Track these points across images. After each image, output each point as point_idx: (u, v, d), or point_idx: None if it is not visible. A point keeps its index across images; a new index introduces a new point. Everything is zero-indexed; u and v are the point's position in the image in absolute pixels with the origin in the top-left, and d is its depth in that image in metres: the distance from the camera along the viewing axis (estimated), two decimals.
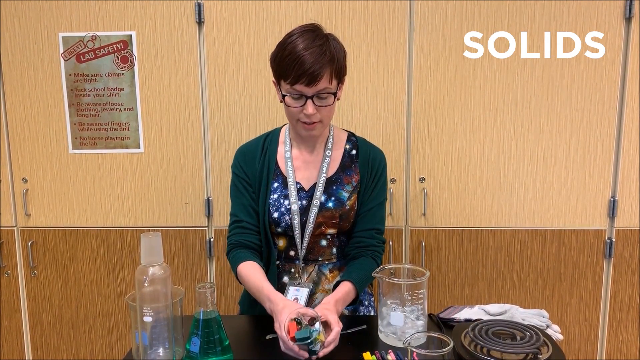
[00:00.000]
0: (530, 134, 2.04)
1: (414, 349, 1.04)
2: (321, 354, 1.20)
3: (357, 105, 2.04)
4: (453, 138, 2.05)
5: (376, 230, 1.51)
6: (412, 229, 2.12)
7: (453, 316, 1.40)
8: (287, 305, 1.24)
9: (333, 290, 1.39)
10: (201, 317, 1.16)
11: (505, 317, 1.35)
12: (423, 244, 2.12)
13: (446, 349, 1.04)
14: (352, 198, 1.48)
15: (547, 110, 2.02)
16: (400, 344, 1.28)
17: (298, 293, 1.47)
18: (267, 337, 1.32)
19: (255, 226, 1.50)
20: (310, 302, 1.47)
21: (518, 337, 1.14)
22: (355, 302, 1.45)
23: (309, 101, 1.34)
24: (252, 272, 1.40)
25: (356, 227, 1.51)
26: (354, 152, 1.52)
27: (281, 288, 1.50)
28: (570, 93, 2.01)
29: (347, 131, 1.56)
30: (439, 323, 1.40)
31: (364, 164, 1.50)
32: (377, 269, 1.33)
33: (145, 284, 1.03)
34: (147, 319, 1.05)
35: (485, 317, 1.38)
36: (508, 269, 2.14)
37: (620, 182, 2.06)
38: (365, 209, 1.49)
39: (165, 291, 1.06)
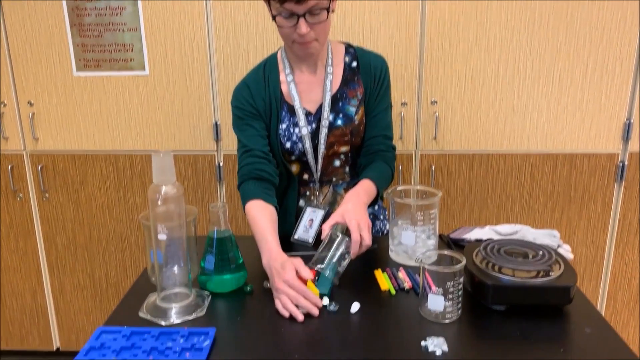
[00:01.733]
0: (547, 53, 1.97)
1: (426, 266, 1.05)
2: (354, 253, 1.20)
3: (368, 25, 1.97)
4: (467, 58, 1.99)
5: (383, 136, 1.47)
6: (423, 153, 2.10)
7: (464, 236, 1.41)
8: (287, 260, 1.15)
9: None
10: (215, 236, 1.16)
11: (517, 237, 1.36)
12: (433, 168, 2.10)
13: (458, 265, 1.04)
14: (360, 112, 1.45)
15: (565, 29, 1.94)
16: (411, 262, 1.29)
17: (314, 214, 1.47)
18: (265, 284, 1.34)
19: (266, 154, 1.41)
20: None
21: (530, 256, 1.15)
22: (376, 202, 1.44)
23: (301, 20, 1.25)
24: (260, 216, 1.30)
25: (367, 134, 1.48)
26: (354, 64, 1.46)
27: (297, 211, 1.50)
28: (591, 11, 1.92)
29: (344, 43, 1.50)
30: (449, 243, 1.40)
31: (366, 73, 1.45)
32: (389, 190, 1.32)
33: (159, 203, 1.03)
34: (162, 237, 1.05)
35: (497, 237, 1.38)
36: (518, 192, 2.14)
37: (637, 103, 2.01)
38: (371, 116, 1.46)
39: (179, 210, 1.06)
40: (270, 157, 1.43)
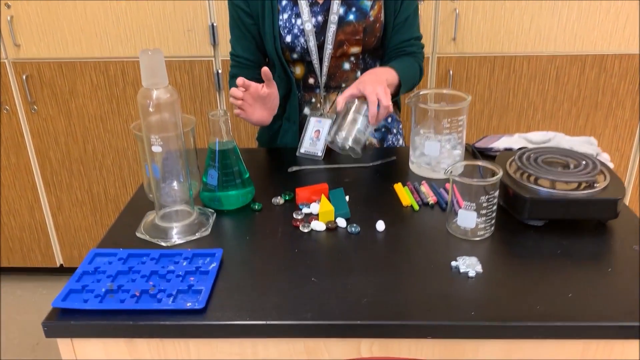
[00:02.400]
0: None
1: (458, 179, 0.93)
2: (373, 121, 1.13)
3: None
4: None
5: (415, 39, 1.34)
6: (440, 56, 1.92)
7: (490, 145, 1.28)
8: None
9: None
10: (217, 148, 1.04)
11: (551, 145, 1.23)
12: (451, 72, 1.94)
13: (495, 177, 0.92)
14: (376, 7, 1.28)
15: None
16: (434, 175, 1.17)
17: (320, 125, 1.34)
18: (290, 169, 1.22)
19: (252, 62, 1.35)
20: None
21: (571, 166, 1.02)
22: (397, 95, 1.30)
23: None
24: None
25: (392, 40, 1.33)
26: None
27: (302, 121, 1.36)
28: None
29: None
30: (474, 153, 1.28)
31: None
32: (412, 95, 1.17)
33: (151, 109, 0.89)
34: (157, 149, 0.92)
35: (530, 146, 1.25)
36: (541, 98, 1.98)
37: None
38: (401, 20, 1.29)
39: (175, 119, 0.92)
40: (256, 65, 1.33)
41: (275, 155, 1.32)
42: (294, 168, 1.22)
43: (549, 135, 1.27)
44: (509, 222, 1.00)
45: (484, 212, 0.94)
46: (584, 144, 1.24)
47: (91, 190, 2.18)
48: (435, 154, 1.15)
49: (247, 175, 1.08)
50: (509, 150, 1.24)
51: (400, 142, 1.47)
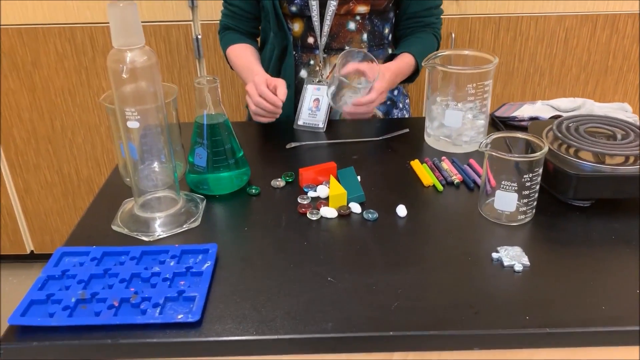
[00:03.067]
0: None
1: (495, 153, 0.78)
2: (346, 113, 1.07)
3: None
4: None
5: (436, 7, 1.20)
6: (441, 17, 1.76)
7: (513, 114, 1.14)
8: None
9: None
10: (205, 122, 0.87)
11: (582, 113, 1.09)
12: (453, 35, 1.78)
13: (540, 153, 0.78)
14: None
15: None
16: (454, 149, 1.03)
17: (318, 93, 1.18)
18: (288, 145, 1.06)
19: (247, 12, 1.22)
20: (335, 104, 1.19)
21: (619, 136, 0.88)
22: (413, 79, 1.17)
23: None
24: (243, 53, 1.22)
25: (409, 7, 1.19)
26: None
27: (298, 85, 1.20)
28: None
29: None
30: (496, 123, 1.13)
31: None
32: (429, 57, 1.02)
33: (124, 76, 0.72)
34: (133, 124, 0.76)
35: (549, 114, 1.11)
36: (548, 62, 1.84)
37: None
38: None
39: (153, 88, 0.76)
40: (251, 16, 1.23)
41: (269, 128, 1.16)
42: (293, 144, 1.06)
43: (577, 102, 1.13)
44: (550, 203, 0.86)
45: (526, 192, 0.80)
46: (618, 111, 1.10)
47: (61, 170, 1.99)
48: (456, 125, 1.00)
49: (241, 154, 0.92)
50: (534, 119, 1.10)
51: (407, 117, 1.32)
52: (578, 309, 0.66)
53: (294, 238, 0.80)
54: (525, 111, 1.14)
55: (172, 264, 0.74)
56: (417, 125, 1.13)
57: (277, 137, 1.11)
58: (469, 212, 0.85)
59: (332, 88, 1.06)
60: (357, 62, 1.05)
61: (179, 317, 0.65)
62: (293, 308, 0.67)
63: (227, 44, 1.24)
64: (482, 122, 1.02)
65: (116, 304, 0.67)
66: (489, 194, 0.83)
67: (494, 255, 0.75)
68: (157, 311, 0.66)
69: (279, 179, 0.93)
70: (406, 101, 1.32)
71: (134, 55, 0.71)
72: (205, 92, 0.86)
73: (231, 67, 1.25)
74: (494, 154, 0.79)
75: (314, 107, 1.17)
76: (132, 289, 0.69)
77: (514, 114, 1.14)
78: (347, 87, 1.05)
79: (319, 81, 1.19)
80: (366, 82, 1.04)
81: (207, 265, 0.73)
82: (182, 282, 0.71)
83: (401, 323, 0.64)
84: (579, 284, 0.70)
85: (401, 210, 0.84)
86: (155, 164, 0.84)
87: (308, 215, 0.84)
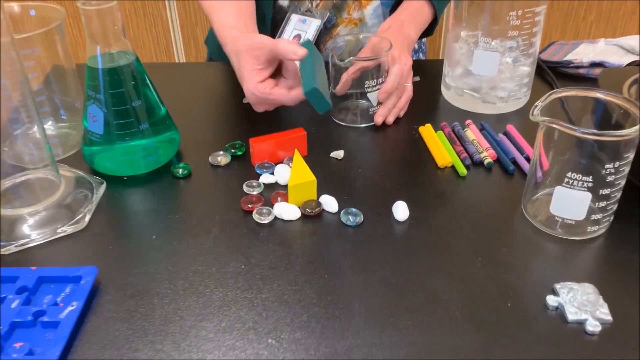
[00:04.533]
0: None
1: (556, 125, 0.47)
2: (379, 117, 0.68)
3: None
4: None
5: None
6: None
7: (565, 58, 0.81)
8: (245, 50, 0.62)
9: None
10: (100, 65, 0.56)
11: None
12: None
13: (634, 128, 0.46)
14: None
15: None
16: (485, 109, 0.71)
17: (303, 26, 0.85)
18: (245, 100, 0.75)
19: None
20: (325, 41, 0.86)
21: None
22: (431, 32, 0.84)
23: None
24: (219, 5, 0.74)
25: None
26: None
27: (276, 16, 0.86)
28: None
29: None
30: (542, 70, 0.80)
31: None
32: None
33: None
34: None
35: (625, 60, 0.79)
36: None
37: None
38: None
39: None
40: None
41: (222, 73, 0.84)
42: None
43: None
44: (631, 204, 0.55)
45: (604, 192, 0.48)
46: None
47: None
48: (490, 73, 0.68)
49: (163, 113, 0.62)
50: (598, 65, 0.77)
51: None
52: None
53: (226, 257, 0.50)
54: (582, 53, 0.81)
55: (14, 304, 0.44)
56: (431, 71, 0.80)
57: (231, 87, 0.79)
58: (507, 212, 0.55)
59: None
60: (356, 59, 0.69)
61: None
62: None
63: None
64: (527, 69, 0.70)
65: None
66: (540, 183, 0.52)
67: (550, 300, 0.45)
68: None
69: (221, 153, 0.63)
70: (422, 40, 0.98)
71: None
72: (95, 18, 0.54)
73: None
74: (556, 126, 0.47)
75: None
76: None
77: (567, 58, 0.81)
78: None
79: (307, 10, 0.85)
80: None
81: (70, 309, 0.44)
82: (17, 345, 0.42)
83: None
84: None
85: (400, 211, 0.53)
86: (18, 133, 0.53)
87: (255, 216, 0.54)
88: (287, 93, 0.60)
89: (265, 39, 0.60)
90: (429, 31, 0.82)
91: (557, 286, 0.46)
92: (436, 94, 0.76)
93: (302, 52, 0.58)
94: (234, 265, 0.49)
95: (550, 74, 0.78)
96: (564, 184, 0.49)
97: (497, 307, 0.44)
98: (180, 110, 0.69)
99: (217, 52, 0.97)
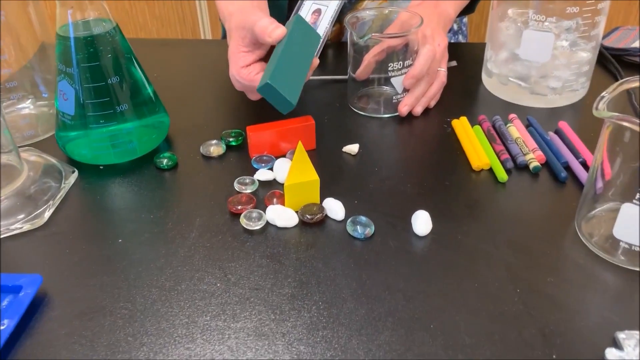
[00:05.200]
0: None
1: (627, 122, 0.36)
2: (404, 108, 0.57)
3: None
4: None
5: None
6: None
7: (634, 45, 0.69)
8: (236, 28, 0.53)
9: None
10: (71, 34, 0.47)
11: None
12: None
13: None
14: None
15: None
16: (533, 101, 0.60)
17: (321, 2, 0.75)
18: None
19: None
20: (341, 21, 0.76)
21: None
22: (473, 8, 0.73)
23: None
24: None
25: None
26: None
27: None
28: None
29: None
30: (604, 57, 0.68)
31: None
32: None
33: None
34: None
35: None
36: None
37: None
38: None
39: None
40: None
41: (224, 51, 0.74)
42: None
43: None
44: None
45: None
46: None
47: None
48: (541, 58, 0.57)
49: (149, 93, 0.53)
50: None
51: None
52: None
53: (201, 271, 0.41)
54: None
55: None
56: (471, 56, 0.69)
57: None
58: (556, 231, 0.44)
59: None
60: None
61: None
62: None
63: None
64: (587, 55, 0.58)
65: None
66: (600, 196, 0.41)
67: (610, 354, 0.34)
68: None
69: (215, 142, 0.54)
70: (463, 20, 0.87)
71: None
72: None
73: None
74: (628, 125, 0.36)
75: (312, 22, 0.74)
76: None
77: (635, 45, 0.69)
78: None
79: None
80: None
81: (1, 327, 0.36)
82: None
83: None
84: None
85: (421, 223, 0.43)
86: None
87: (243, 220, 0.44)
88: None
89: (253, 16, 0.50)
90: (470, 7, 0.71)
91: (620, 336, 0.35)
92: (475, 82, 0.65)
93: (277, 33, 0.48)
94: (208, 283, 0.40)
95: (614, 62, 0.66)
96: (634, 201, 0.38)
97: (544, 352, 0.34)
98: (176, 92, 0.61)
99: None
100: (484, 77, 0.64)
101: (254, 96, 0.55)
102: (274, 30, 0.48)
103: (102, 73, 0.48)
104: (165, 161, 0.51)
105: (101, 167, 0.52)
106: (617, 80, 0.63)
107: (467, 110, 0.59)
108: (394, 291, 0.39)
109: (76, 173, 0.51)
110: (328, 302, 0.38)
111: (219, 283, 0.40)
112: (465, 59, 0.68)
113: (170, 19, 1.51)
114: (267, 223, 0.45)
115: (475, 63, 0.66)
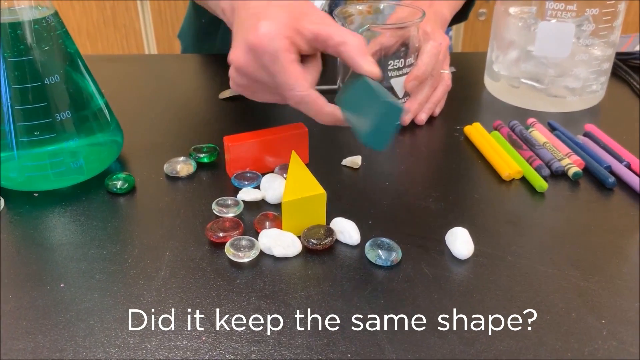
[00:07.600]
0: None
1: None
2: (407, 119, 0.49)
3: None
4: None
5: None
6: None
7: (636, 49, 0.64)
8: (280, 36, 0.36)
9: None
10: (8, 28, 0.37)
11: None
12: None
13: None
14: None
15: None
16: (547, 105, 0.52)
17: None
18: (222, 95, 0.56)
19: None
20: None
21: None
22: (466, 15, 0.66)
23: None
24: None
25: None
26: None
27: None
28: None
29: None
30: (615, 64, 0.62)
31: None
32: None
33: None
34: None
35: None
36: None
37: None
38: None
39: None
40: None
41: (199, 66, 0.65)
42: (227, 93, 0.55)
43: None
44: None
45: None
46: None
47: None
48: (560, 53, 0.50)
49: (100, 105, 0.42)
50: None
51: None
52: None
53: (176, 322, 0.30)
54: None
55: None
56: (466, 63, 0.62)
57: (204, 81, 0.60)
58: (623, 244, 0.35)
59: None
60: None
61: None
62: None
63: None
64: (609, 50, 0.51)
65: None
66: None
67: None
68: None
69: (182, 159, 0.43)
70: (449, 33, 0.81)
71: None
72: None
73: None
74: None
75: None
76: None
77: (637, 48, 0.64)
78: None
79: None
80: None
81: None
82: None
83: None
84: None
85: (461, 243, 0.34)
86: None
87: (229, 251, 0.34)
88: (323, 104, 0.37)
89: (328, 27, 0.37)
90: (463, 13, 0.64)
91: None
92: (476, 88, 0.57)
93: (375, 71, 0.36)
94: (188, 337, 0.28)
95: (622, 65, 0.60)
96: None
97: None
98: (129, 110, 0.50)
99: (191, 47, 0.79)
100: (488, 81, 0.57)
101: (324, 118, 0.38)
102: (372, 64, 0.36)
103: (36, 70, 0.38)
104: (119, 184, 0.40)
105: (36, 195, 0.40)
106: (627, 83, 0.57)
107: (474, 118, 0.51)
108: (444, 333, 0.29)
109: (2, 202, 0.39)
110: (360, 354, 0.27)
111: (203, 336, 0.28)
112: (462, 67, 0.61)
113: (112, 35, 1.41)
114: (262, 252, 0.34)
115: (472, 70, 0.59)
